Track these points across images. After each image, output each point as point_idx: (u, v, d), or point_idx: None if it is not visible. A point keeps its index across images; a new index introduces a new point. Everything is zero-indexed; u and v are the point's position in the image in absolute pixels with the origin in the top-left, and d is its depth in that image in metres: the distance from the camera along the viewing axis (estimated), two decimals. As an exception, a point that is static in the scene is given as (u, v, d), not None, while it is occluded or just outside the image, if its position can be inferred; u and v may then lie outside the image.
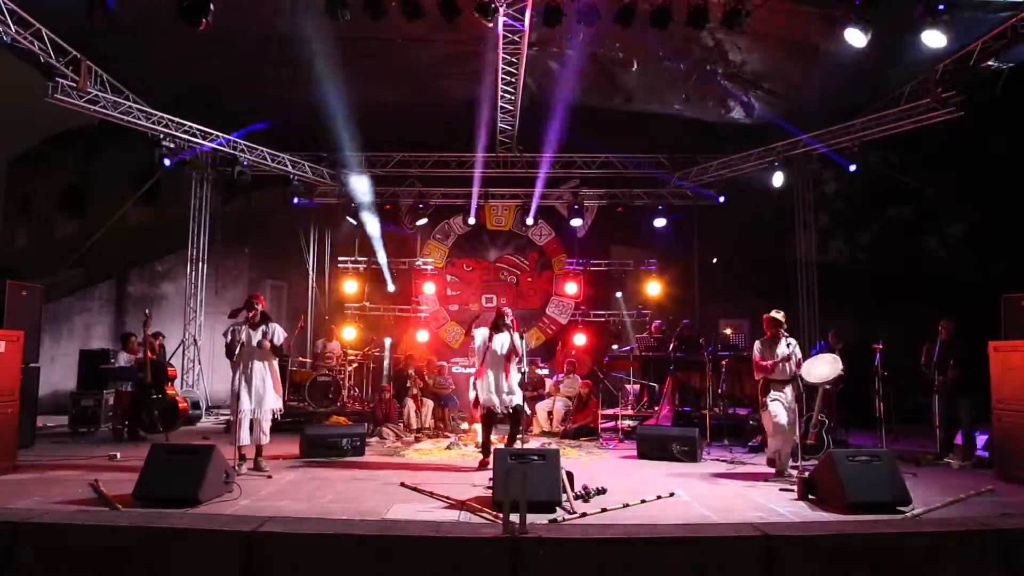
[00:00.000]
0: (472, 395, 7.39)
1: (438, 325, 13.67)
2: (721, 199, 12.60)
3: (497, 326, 7.23)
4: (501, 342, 7.19)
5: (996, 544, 3.96)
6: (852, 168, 10.44)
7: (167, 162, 10.52)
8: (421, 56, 9.13)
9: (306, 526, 4.16)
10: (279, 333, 6.83)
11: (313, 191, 13.11)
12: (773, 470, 6.65)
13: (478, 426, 9.55)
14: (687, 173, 12.65)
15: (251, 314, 6.73)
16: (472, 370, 11.25)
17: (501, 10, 7.56)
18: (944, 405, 7.72)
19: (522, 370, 7.43)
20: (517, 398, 7.13)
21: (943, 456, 7.54)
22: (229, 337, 6.65)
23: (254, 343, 6.66)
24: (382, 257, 13.06)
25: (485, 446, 7.19)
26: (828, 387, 7.08)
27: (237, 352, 6.59)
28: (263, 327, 6.74)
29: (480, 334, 7.34)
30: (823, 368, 6.78)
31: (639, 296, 13.31)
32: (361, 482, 6.26)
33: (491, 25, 7.77)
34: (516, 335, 7.23)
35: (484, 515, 5.00)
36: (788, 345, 6.71)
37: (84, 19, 7.02)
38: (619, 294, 13.38)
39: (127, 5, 6.98)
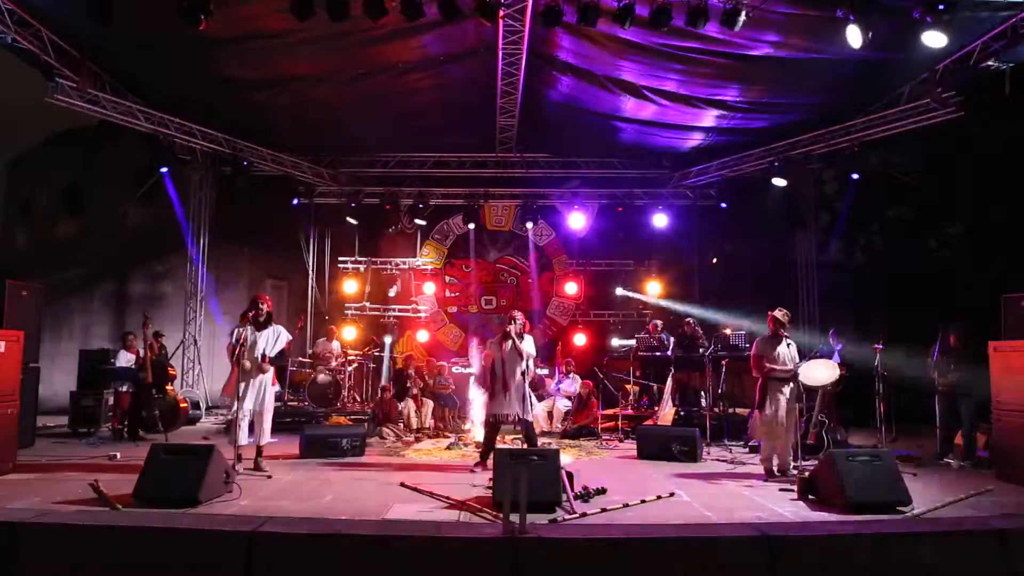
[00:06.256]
0: (473, 396, 7.31)
1: (436, 327, 13.68)
2: (723, 204, 12.61)
3: (507, 335, 7.04)
4: (512, 349, 7.07)
5: (996, 544, 3.96)
6: (854, 176, 10.54)
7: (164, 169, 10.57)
8: (421, 56, 9.11)
9: (306, 526, 4.16)
10: (284, 336, 6.84)
11: (313, 191, 13.12)
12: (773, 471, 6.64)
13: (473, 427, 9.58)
14: (687, 173, 12.66)
15: (253, 313, 6.75)
16: (472, 370, 11.30)
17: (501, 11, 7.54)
18: (944, 405, 7.71)
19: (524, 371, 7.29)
20: (524, 410, 6.92)
21: (943, 456, 7.54)
22: (233, 339, 6.64)
23: (259, 345, 6.67)
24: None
25: (487, 454, 6.86)
26: (828, 388, 7.09)
27: (238, 352, 6.57)
28: (267, 329, 6.77)
29: (492, 349, 7.20)
30: (822, 372, 6.79)
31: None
32: (361, 482, 6.27)
33: (491, 25, 7.77)
34: (528, 338, 7.15)
35: (484, 515, 5.01)
36: (788, 345, 6.75)
37: (84, 19, 7.01)
38: (620, 290, 13.36)
39: (127, 6, 6.95)
